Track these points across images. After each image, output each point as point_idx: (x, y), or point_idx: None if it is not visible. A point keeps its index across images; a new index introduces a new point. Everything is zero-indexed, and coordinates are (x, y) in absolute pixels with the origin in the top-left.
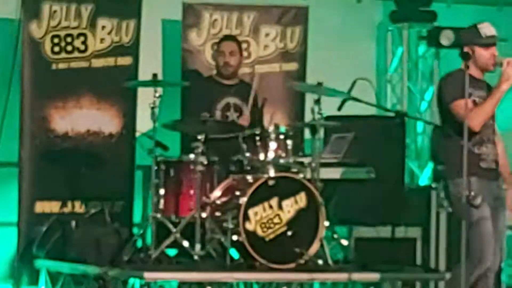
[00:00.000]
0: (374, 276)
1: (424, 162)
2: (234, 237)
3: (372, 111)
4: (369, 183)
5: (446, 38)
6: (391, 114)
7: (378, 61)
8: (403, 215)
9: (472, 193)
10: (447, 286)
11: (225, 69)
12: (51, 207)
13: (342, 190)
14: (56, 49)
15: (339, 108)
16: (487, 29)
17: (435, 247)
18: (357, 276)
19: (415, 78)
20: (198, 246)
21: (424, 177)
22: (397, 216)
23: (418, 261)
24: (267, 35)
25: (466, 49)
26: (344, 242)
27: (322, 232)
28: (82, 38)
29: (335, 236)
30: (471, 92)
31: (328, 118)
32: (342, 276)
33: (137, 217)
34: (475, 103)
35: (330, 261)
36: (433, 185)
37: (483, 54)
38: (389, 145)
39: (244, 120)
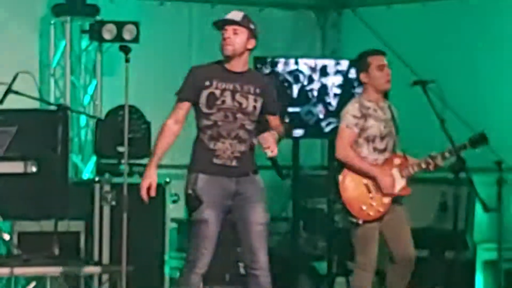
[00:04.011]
0: (36, 270)
1: (87, 155)
2: None
3: (36, 104)
4: (32, 177)
5: (108, 32)
6: (54, 108)
7: (41, 54)
8: (67, 208)
9: (193, 194)
10: None
11: None
12: None
13: (4, 184)
14: None
15: (1, 102)
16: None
17: (98, 241)
18: (20, 270)
19: (78, 72)
20: None
21: (88, 171)
22: (60, 210)
23: (82, 254)
24: None
25: None
26: (6, 237)
27: None
28: None
29: None
30: (210, 84)
31: None
32: (4, 271)
33: None
34: (214, 96)
35: None
36: (97, 179)
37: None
38: (53, 139)
39: None
